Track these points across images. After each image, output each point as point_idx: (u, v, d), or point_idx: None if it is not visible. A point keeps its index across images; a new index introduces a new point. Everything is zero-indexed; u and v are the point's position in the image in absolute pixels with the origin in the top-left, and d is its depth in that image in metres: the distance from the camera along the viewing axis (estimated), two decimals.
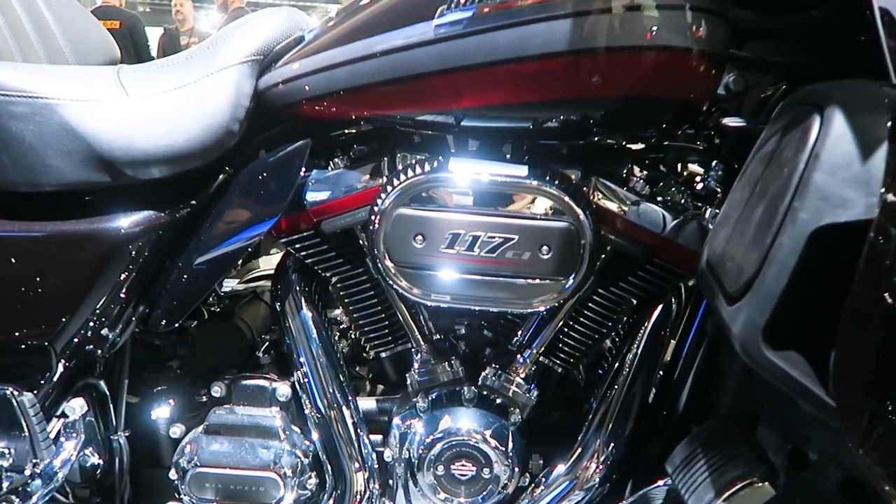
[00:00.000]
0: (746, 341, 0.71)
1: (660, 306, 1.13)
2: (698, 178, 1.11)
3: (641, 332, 1.13)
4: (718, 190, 1.07)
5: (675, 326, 1.15)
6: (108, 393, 1.17)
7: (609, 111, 0.98)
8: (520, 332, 1.17)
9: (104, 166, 1.01)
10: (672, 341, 1.15)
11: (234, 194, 1.07)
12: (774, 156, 0.79)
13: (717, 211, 1.02)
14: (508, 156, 1.08)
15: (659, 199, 1.07)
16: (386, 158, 1.09)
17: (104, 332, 1.10)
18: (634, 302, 1.13)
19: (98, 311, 1.07)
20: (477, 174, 1.00)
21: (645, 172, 1.09)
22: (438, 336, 1.18)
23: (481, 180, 1.00)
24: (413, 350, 1.17)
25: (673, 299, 1.14)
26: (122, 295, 1.08)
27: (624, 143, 1.10)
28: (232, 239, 1.07)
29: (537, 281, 1.01)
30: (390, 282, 1.05)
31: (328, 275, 1.15)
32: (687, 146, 1.12)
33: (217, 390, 1.19)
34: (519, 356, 1.15)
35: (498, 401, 1.16)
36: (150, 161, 1.03)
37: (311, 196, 1.08)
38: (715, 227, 0.90)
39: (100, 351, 1.12)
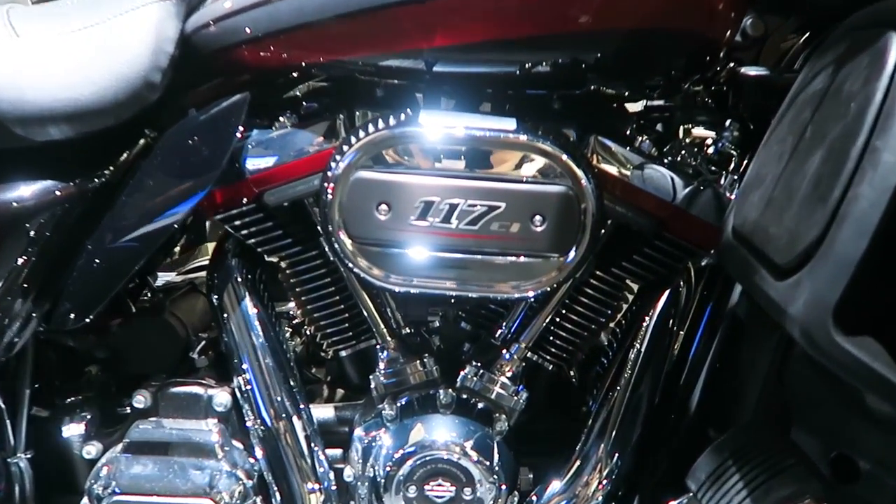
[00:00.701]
0: (811, 324, 0.63)
1: (667, 291, 1.06)
2: (709, 141, 1.05)
3: (646, 322, 1.07)
4: (733, 153, 1.02)
5: (685, 315, 1.08)
6: (3, 406, 1.08)
7: (611, 50, 0.92)
8: (504, 324, 1.10)
9: None
10: (681, 332, 1.08)
11: (157, 161, 0.98)
12: (830, 92, 0.72)
13: (735, 177, 0.99)
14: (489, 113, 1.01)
15: (667, 161, 1.00)
16: (342, 116, 1.01)
17: None
18: (637, 287, 1.07)
19: None
20: (454, 128, 0.92)
21: (650, 132, 1.04)
22: (408, 330, 1.11)
23: (459, 136, 0.92)
24: (378, 347, 1.09)
25: (681, 283, 1.07)
26: (20, 284, 0.98)
27: (626, 94, 1.04)
28: (156, 217, 0.98)
29: (529, 259, 0.94)
30: (348, 263, 0.96)
31: (274, 258, 1.06)
32: (696, 104, 1.08)
33: (140, 400, 1.09)
34: (504, 352, 1.08)
35: (480, 405, 1.08)
36: (46, 118, 0.93)
37: (252, 162, 1.00)
38: (742, 190, 0.84)
39: None
